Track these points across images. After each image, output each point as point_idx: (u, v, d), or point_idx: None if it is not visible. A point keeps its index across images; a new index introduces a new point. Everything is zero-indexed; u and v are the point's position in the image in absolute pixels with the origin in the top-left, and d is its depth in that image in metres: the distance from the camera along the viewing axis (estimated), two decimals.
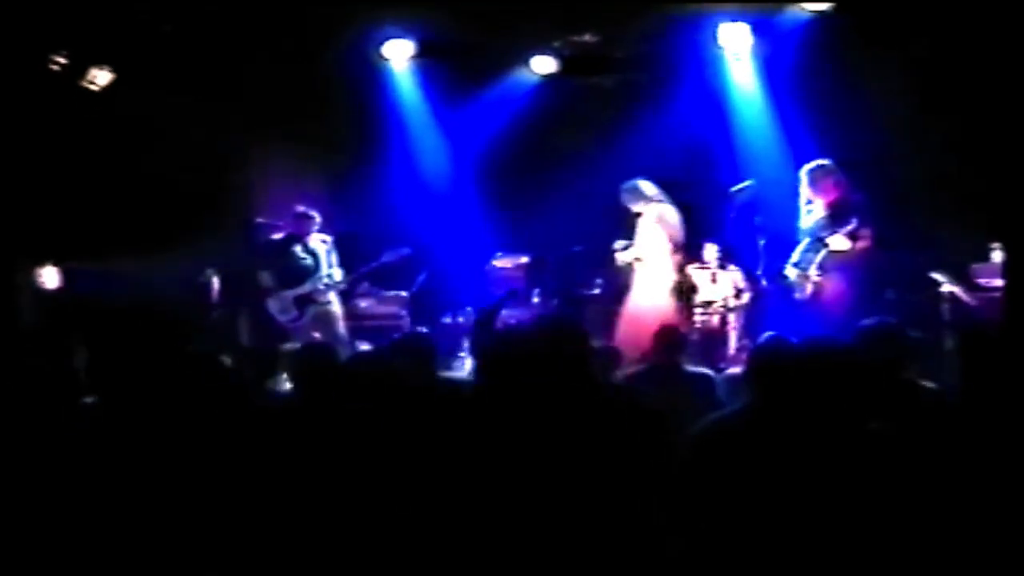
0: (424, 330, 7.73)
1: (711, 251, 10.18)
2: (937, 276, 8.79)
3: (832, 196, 8.78)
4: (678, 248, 9.63)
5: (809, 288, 8.75)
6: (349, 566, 3.82)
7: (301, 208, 10.05)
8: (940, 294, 8.75)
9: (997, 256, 9.09)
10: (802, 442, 3.77)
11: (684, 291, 9.72)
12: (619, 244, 9.75)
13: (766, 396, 3.96)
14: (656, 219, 9.58)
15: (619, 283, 9.97)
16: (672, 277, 9.56)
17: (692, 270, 10.22)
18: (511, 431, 3.86)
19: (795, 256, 8.91)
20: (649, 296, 9.50)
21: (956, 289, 8.65)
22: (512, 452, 3.81)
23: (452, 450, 3.86)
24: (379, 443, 4.01)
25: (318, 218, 10.01)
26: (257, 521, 3.75)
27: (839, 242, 8.63)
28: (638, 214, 9.66)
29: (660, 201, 9.64)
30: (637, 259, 9.62)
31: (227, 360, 4.88)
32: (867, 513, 3.64)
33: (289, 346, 8.42)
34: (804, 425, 3.80)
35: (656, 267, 9.55)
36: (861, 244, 8.61)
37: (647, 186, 9.67)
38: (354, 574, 3.83)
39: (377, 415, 4.07)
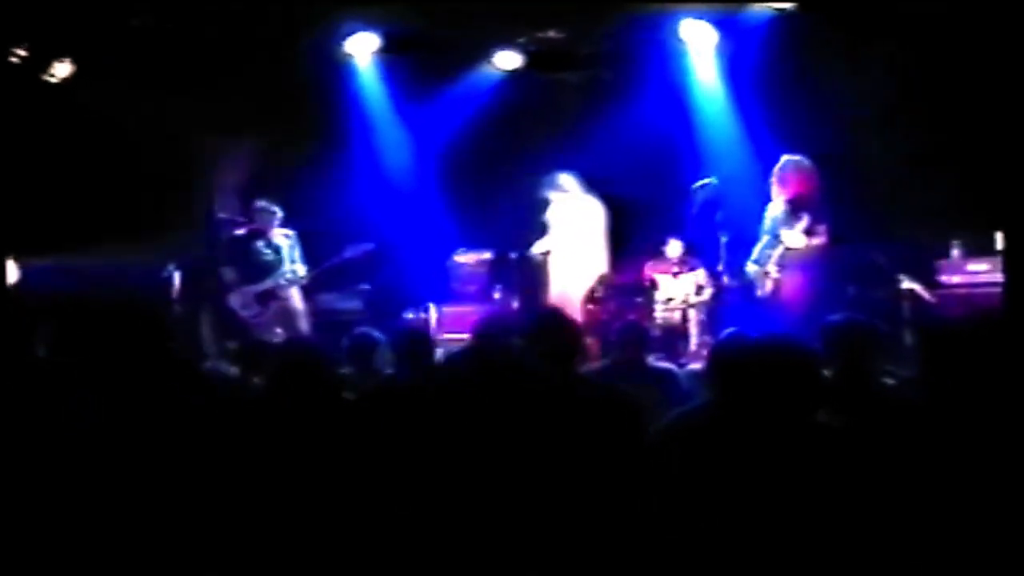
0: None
1: (675, 247, 10.22)
2: (905, 282, 8.82)
3: (793, 192, 8.82)
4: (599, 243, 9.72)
5: (769, 285, 8.79)
6: (333, 560, 3.81)
7: (262, 203, 10.01)
8: (900, 291, 8.80)
9: (957, 252, 9.17)
10: (763, 438, 3.79)
11: (598, 294, 9.83)
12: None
13: (727, 392, 3.98)
14: (570, 212, 9.66)
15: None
16: (597, 270, 9.64)
17: (649, 268, 10.24)
18: (496, 424, 3.87)
19: (755, 252, 8.95)
20: (559, 286, 9.60)
21: (916, 286, 8.71)
22: (497, 444, 3.82)
23: (436, 444, 3.87)
24: (362, 436, 4.00)
25: (280, 213, 9.97)
26: (242, 518, 3.72)
27: (793, 239, 8.68)
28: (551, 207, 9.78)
29: (579, 195, 9.73)
30: (546, 252, 9.73)
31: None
32: (829, 509, 3.66)
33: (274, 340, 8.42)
34: (764, 421, 3.82)
35: (567, 259, 9.62)
36: (816, 240, 8.65)
37: (566, 179, 9.73)
38: (340, 567, 3.82)
39: (363, 409, 4.07)
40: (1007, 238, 7.12)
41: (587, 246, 9.62)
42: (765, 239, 8.89)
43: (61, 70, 10.13)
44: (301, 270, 9.88)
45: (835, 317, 5.28)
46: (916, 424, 3.99)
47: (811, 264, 8.65)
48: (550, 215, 9.80)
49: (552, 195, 9.72)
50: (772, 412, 3.82)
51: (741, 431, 3.82)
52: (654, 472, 3.90)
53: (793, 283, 8.70)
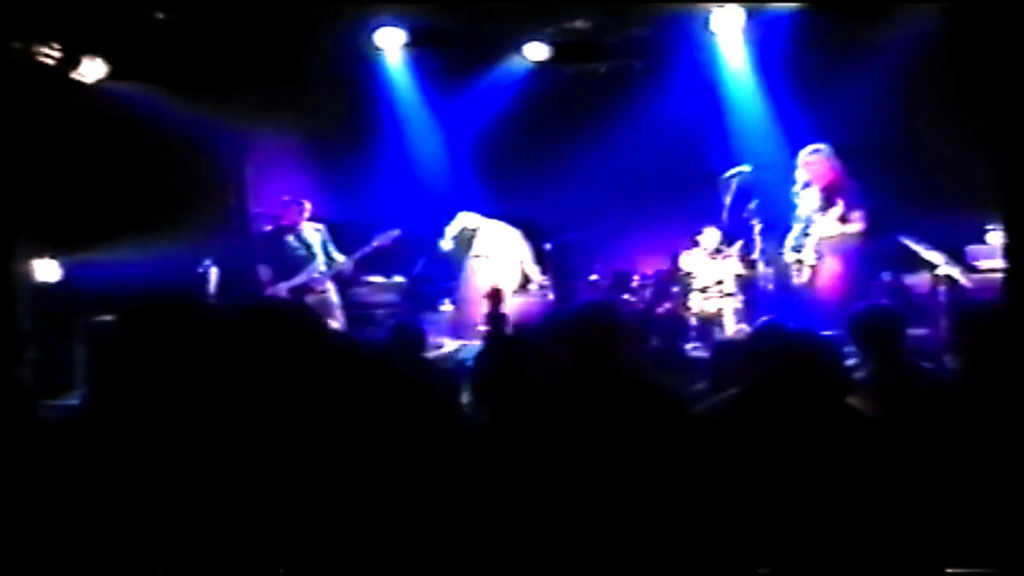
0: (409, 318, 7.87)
1: (712, 235, 10.14)
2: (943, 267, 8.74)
3: (827, 180, 8.80)
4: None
5: (805, 273, 8.78)
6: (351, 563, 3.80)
7: (290, 197, 10.07)
8: (937, 276, 8.75)
9: (993, 238, 9.11)
10: (796, 426, 3.79)
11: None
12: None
13: (762, 380, 3.98)
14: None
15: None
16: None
17: (684, 257, 10.21)
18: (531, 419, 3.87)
19: (790, 241, 8.94)
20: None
21: (953, 271, 8.66)
22: (538, 438, 3.81)
23: (451, 442, 3.86)
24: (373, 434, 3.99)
25: (308, 206, 10.02)
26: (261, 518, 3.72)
27: (827, 226, 8.67)
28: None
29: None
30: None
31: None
32: (863, 498, 3.65)
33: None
34: (799, 409, 3.82)
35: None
36: (851, 227, 8.63)
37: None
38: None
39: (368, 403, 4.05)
40: (1008, 229, 7.05)
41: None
42: (798, 227, 8.88)
43: (93, 69, 10.21)
44: (340, 258, 9.94)
45: (859, 306, 5.30)
46: (951, 410, 3.98)
47: (847, 251, 8.64)
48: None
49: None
50: (807, 400, 3.82)
51: (774, 419, 3.82)
52: (689, 461, 3.89)
53: (829, 271, 8.70)
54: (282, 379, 3.54)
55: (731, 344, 5.99)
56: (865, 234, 8.64)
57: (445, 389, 4.75)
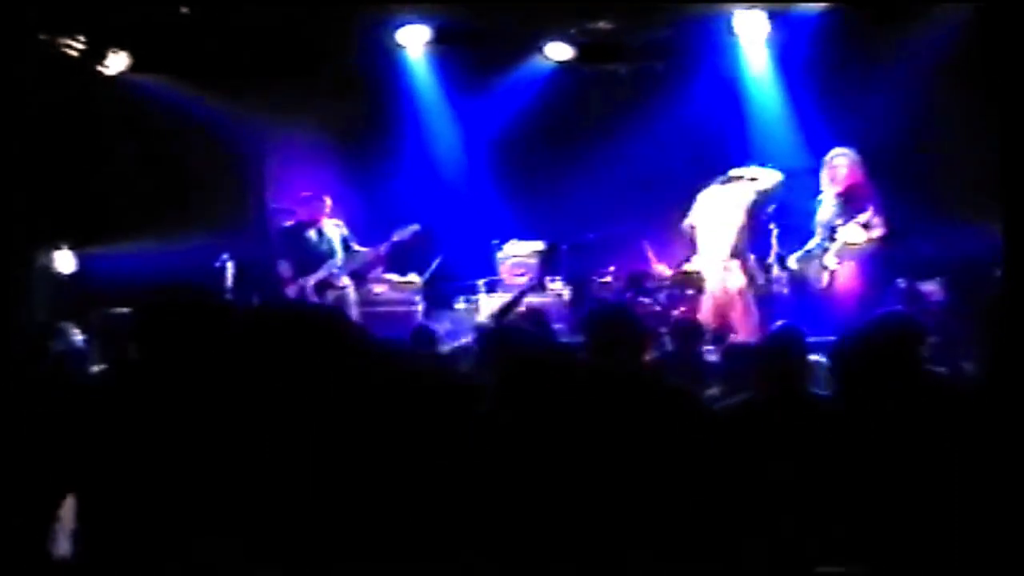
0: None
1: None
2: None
3: (847, 184, 8.77)
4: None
5: (824, 277, 8.74)
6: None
7: (311, 193, 10.09)
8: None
9: None
10: (811, 428, 3.79)
11: None
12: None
13: (777, 383, 3.97)
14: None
15: None
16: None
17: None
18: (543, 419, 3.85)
19: (810, 244, 8.91)
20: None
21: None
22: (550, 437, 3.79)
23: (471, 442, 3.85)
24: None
25: (329, 202, 10.03)
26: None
27: (853, 233, 8.62)
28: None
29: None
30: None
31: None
32: (877, 497, 3.65)
33: None
34: (813, 412, 3.82)
35: None
36: (875, 233, 8.59)
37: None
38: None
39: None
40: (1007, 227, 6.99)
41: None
42: (820, 232, 8.85)
43: (116, 62, 10.25)
44: (362, 249, 9.96)
45: (878, 311, 5.28)
46: (970, 414, 3.96)
47: (866, 257, 8.60)
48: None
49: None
50: (821, 403, 3.81)
51: (788, 421, 3.82)
52: (706, 464, 3.88)
53: (848, 276, 8.66)
54: (300, 380, 3.54)
55: (742, 348, 5.95)
56: (884, 240, 8.60)
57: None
